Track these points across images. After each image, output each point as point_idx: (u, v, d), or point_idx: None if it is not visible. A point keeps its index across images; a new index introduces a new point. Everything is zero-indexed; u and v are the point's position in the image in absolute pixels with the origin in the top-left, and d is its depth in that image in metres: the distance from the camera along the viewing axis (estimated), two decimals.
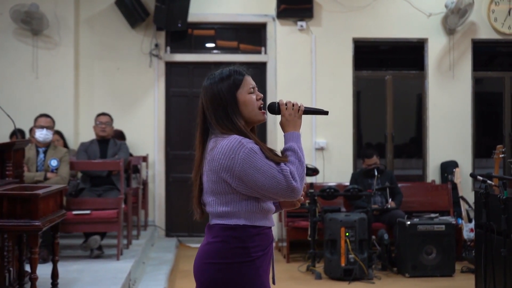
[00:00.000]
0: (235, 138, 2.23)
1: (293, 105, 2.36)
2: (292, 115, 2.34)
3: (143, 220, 7.78)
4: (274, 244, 7.71)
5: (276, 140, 7.87)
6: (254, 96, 2.34)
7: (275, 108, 2.38)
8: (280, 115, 2.37)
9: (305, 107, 2.38)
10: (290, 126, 2.34)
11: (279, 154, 2.30)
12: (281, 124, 2.36)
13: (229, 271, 2.24)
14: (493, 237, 4.46)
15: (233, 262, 2.24)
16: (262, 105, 2.37)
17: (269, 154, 2.23)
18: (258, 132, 2.43)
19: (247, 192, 2.24)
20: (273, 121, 7.88)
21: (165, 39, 8.24)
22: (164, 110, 8.25)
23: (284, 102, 2.37)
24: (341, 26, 8.16)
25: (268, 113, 2.41)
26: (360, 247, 6.15)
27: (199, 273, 2.30)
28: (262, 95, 2.38)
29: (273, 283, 2.48)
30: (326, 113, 2.47)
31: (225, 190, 2.25)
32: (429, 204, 7.64)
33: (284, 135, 2.34)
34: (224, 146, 2.22)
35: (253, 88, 2.35)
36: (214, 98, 2.32)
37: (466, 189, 7.83)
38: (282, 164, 2.22)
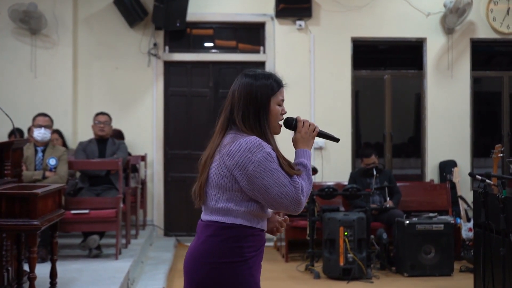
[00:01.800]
0: (255, 139, 2.26)
1: (309, 124, 2.41)
2: (308, 133, 2.39)
3: (141, 219, 7.78)
4: (273, 244, 7.75)
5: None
6: (280, 109, 2.38)
7: (292, 124, 2.42)
8: (294, 131, 2.41)
9: (319, 130, 2.43)
10: (303, 144, 2.39)
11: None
12: (295, 140, 2.41)
13: (223, 270, 2.26)
14: (492, 236, 4.47)
15: (227, 261, 2.26)
16: (281, 120, 2.41)
17: (284, 164, 2.28)
18: None
19: (252, 194, 2.26)
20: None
21: (163, 38, 8.23)
22: (163, 110, 8.23)
23: (302, 120, 2.41)
24: (340, 26, 8.16)
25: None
26: (359, 247, 6.14)
27: (192, 271, 2.31)
28: (286, 111, 2.41)
29: None
30: (337, 140, 2.52)
31: (231, 187, 2.27)
32: (427, 203, 7.64)
33: (296, 151, 2.39)
34: (243, 144, 2.24)
35: (283, 101, 2.39)
36: (249, 96, 2.33)
37: (465, 189, 7.82)
38: (295, 177, 2.27)
